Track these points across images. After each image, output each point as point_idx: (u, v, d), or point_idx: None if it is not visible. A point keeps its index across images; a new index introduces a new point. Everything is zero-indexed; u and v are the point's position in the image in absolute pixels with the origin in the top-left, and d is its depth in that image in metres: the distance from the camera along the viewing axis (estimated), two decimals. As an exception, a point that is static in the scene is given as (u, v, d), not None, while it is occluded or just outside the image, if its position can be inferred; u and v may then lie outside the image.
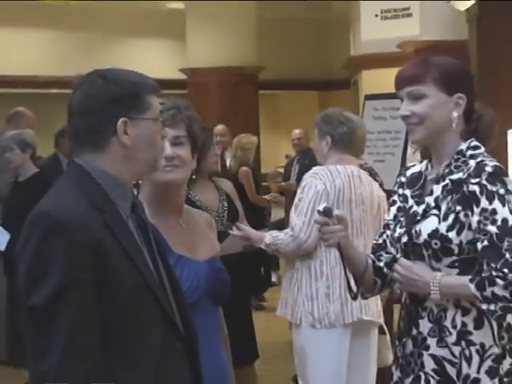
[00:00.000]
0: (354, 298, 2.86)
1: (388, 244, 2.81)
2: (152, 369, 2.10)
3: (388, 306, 5.01)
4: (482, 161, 2.61)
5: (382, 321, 4.39)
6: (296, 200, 4.25)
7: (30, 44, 14.18)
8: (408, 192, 2.78)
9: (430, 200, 2.68)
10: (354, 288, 2.83)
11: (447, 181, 2.65)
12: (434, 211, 2.64)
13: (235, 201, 4.95)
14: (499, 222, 2.52)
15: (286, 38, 15.34)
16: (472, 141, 2.68)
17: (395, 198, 2.83)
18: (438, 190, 2.67)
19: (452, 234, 2.59)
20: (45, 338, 2.02)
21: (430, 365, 2.65)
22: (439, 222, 2.62)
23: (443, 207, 2.63)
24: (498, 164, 2.60)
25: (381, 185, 4.95)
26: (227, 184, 5.05)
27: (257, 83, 12.44)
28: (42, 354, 2.01)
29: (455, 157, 2.66)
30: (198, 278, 2.67)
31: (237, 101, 11.83)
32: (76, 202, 2.10)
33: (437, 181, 2.69)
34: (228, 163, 8.98)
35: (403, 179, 2.83)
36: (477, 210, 2.55)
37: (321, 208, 2.68)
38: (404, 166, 2.96)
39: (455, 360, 2.62)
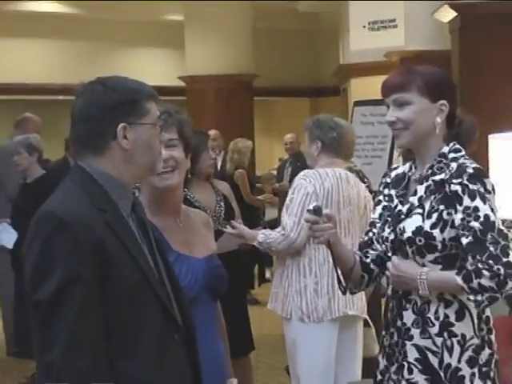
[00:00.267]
0: (344, 292, 2.87)
1: (374, 241, 2.82)
2: (151, 359, 2.10)
3: (375, 300, 5.02)
4: (463, 163, 2.62)
5: (366, 315, 4.40)
6: (287, 201, 4.26)
7: (38, 53, 14.20)
8: (393, 192, 2.78)
9: (413, 200, 2.69)
10: (344, 283, 2.84)
11: (430, 181, 2.66)
12: (418, 210, 2.65)
13: (232, 201, 4.95)
14: (482, 219, 2.53)
15: (279, 48, 15.35)
16: (454, 144, 2.69)
17: (380, 197, 2.83)
18: (421, 190, 2.68)
19: (435, 232, 2.60)
20: (49, 332, 2.02)
21: (412, 354, 2.66)
22: (423, 220, 2.63)
23: (427, 206, 2.64)
24: (478, 166, 2.62)
25: (368, 186, 4.96)
26: (224, 185, 5.05)
27: (252, 90, 12.44)
28: (47, 347, 2.01)
29: (438, 159, 2.67)
30: (196, 274, 2.67)
31: (233, 107, 11.84)
32: (79, 202, 2.11)
33: (420, 181, 2.70)
34: (227, 166, 8.97)
35: (388, 180, 2.84)
36: (460, 208, 2.56)
37: (311, 207, 2.69)
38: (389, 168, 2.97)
39: (437, 350, 2.63)
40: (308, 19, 15.09)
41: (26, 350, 6.02)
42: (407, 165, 2.80)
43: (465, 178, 2.57)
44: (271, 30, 14.99)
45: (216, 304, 2.81)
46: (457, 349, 2.62)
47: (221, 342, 2.81)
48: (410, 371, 2.66)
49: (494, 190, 2.60)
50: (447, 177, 2.62)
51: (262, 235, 4.26)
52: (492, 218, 2.53)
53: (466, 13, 6.64)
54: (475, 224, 2.53)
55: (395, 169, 2.86)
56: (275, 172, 10.87)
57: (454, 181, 2.59)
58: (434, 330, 2.63)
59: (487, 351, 2.65)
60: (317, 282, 4.20)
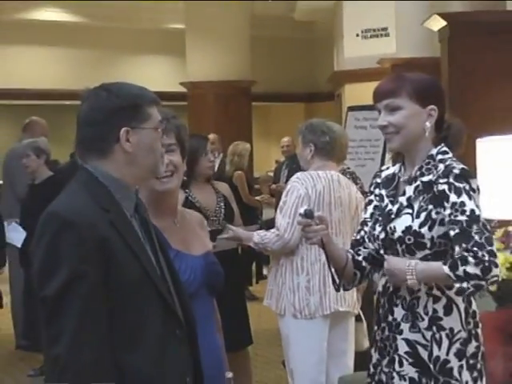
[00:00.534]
0: (337, 289, 2.86)
1: (366, 240, 2.82)
2: (153, 353, 2.11)
3: (368, 296, 5.02)
4: (450, 164, 2.63)
5: (357, 310, 4.40)
6: (281, 203, 4.28)
7: (45, 61, 14.21)
8: (383, 192, 2.79)
9: (402, 200, 2.69)
10: (337, 280, 2.84)
11: (418, 182, 2.67)
12: (408, 210, 2.66)
13: (231, 202, 4.95)
14: (468, 213, 2.54)
15: (276, 56, 15.36)
16: (442, 147, 2.70)
17: (371, 197, 2.83)
18: (410, 190, 2.68)
19: (424, 230, 2.60)
20: (55, 326, 2.02)
21: (403, 348, 2.66)
22: (412, 220, 2.63)
23: (416, 206, 2.65)
24: (464, 167, 2.62)
25: (361, 187, 4.96)
26: (224, 187, 5.05)
27: (250, 96, 12.44)
28: (53, 341, 2.02)
29: (426, 161, 2.68)
30: (195, 270, 2.68)
31: (232, 111, 11.84)
32: (83, 203, 2.11)
33: (409, 182, 2.70)
34: (227, 168, 8.96)
35: (378, 180, 2.84)
36: (447, 205, 2.57)
37: (302, 211, 2.69)
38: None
39: (427, 343, 2.63)
40: (303, 28, 15.11)
41: (34, 343, 6.02)
42: (397, 166, 2.80)
43: (451, 177, 2.59)
44: (268, 38, 14.99)
45: (213, 299, 2.81)
46: (445, 342, 2.62)
47: (218, 335, 2.81)
48: (401, 364, 2.67)
49: (478, 189, 2.61)
50: (435, 178, 2.63)
51: (257, 236, 4.27)
52: (477, 212, 2.55)
53: (454, 22, 6.65)
54: (462, 217, 2.54)
55: (385, 170, 2.87)
56: (272, 174, 10.86)
57: (441, 181, 2.60)
58: (424, 324, 2.64)
59: (474, 344, 2.66)
60: (309, 279, 4.21)
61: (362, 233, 2.84)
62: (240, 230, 4.42)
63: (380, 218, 2.74)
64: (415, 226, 2.62)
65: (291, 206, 4.17)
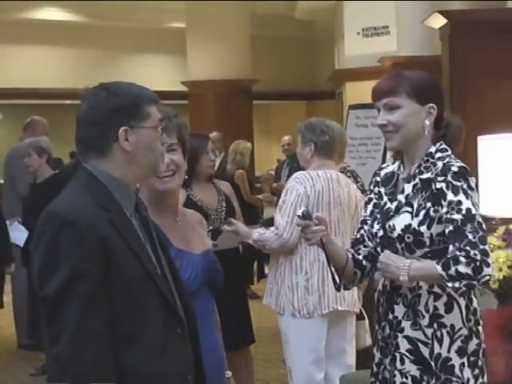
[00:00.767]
0: (338, 289, 2.86)
1: (366, 238, 2.81)
2: (154, 352, 2.10)
3: (369, 294, 5.03)
4: (448, 162, 2.63)
5: (358, 309, 4.41)
6: (280, 202, 4.29)
7: (47, 60, 14.22)
8: (382, 190, 2.79)
9: (401, 197, 2.69)
10: (338, 280, 2.83)
11: (417, 180, 2.67)
12: (407, 208, 2.66)
13: (233, 201, 4.96)
14: (464, 211, 2.54)
15: (277, 54, 15.35)
16: (441, 144, 2.69)
17: (371, 195, 2.83)
18: (408, 188, 2.68)
19: (423, 228, 2.60)
20: (56, 325, 2.02)
21: (404, 346, 2.66)
22: (412, 218, 2.63)
23: (415, 204, 2.64)
24: (463, 165, 2.62)
25: (362, 185, 4.96)
26: (226, 185, 5.06)
27: (251, 94, 12.43)
28: (54, 339, 2.02)
29: (425, 158, 2.67)
30: (196, 268, 2.68)
31: (233, 110, 11.83)
32: (83, 202, 2.11)
33: (408, 180, 2.70)
34: (228, 167, 8.96)
35: (378, 178, 2.84)
36: (445, 203, 2.57)
37: (299, 213, 2.69)
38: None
39: (428, 341, 2.63)
40: (304, 27, 15.10)
41: (38, 342, 6.02)
42: (396, 164, 2.80)
43: (449, 175, 2.58)
44: (269, 37, 15.00)
45: (213, 297, 2.82)
46: (446, 339, 2.62)
47: (218, 334, 2.82)
48: (402, 362, 2.66)
49: (476, 187, 2.61)
50: (433, 175, 2.62)
51: (257, 234, 4.28)
52: (473, 211, 2.54)
53: (455, 20, 6.65)
54: (457, 216, 2.54)
55: (385, 168, 2.86)
56: (273, 172, 10.86)
57: (439, 178, 2.60)
58: (425, 321, 2.64)
59: (475, 341, 2.66)
60: (307, 279, 4.22)
61: (362, 231, 2.84)
62: (241, 226, 4.43)
63: (378, 216, 2.74)
64: (414, 225, 2.62)
65: (290, 206, 4.19)
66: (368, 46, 10.06)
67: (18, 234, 6.33)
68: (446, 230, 2.55)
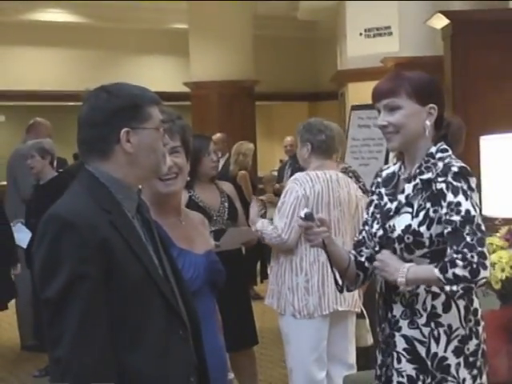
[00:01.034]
0: (341, 291, 2.86)
1: (367, 240, 2.81)
2: (156, 354, 2.10)
3: (370, 293, 5.03)
4: (449, 162, 2.62)
5: (358, 309, 4.41)
6: (279, 204, 4.32)
7: (49, 61, 14.24)
8: (383, 190, 2.78)
9: (401, 197, 2.68)
10: (340, 282, 2.83)
11: (418, 180, 2.66)
12: (407, 208, 2.65)
13: (235, 201, 4.96)
14: (463, 213, 2.53)
15: (279, 55, 15.36)
16: (441, 145, 2.69)
17: (373, 197, 2.83)
18: (409, 188, 2.68)
19: (423, 229, 2.60)
20: (57, 328, 2.02)
21: (401, 344, 2.66)
22: (412, 219, 2.63)
23: (415, 205, 2.64)
24: (463, 165, 2.61)
25: (364, 186, 4.96)
26: (228, 186, 5.06)
27: (253, 95, 12.44)
28: (55, 342, 2.02)
29: (425, 159, 2.67)
30: (198, 268, 2.69)
31: (235, 111, 11.84)
32: (84, 204, 2.11)
33: (408, 180, 2.70)
34: (231, 167, 8.96)
35: (379, 179, 2.84)
36: (444, 204, 2.56)
37: (302, 214, 2.68)
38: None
39: (425, 340, 2.63)
40: (307, 27, 15.11)
41: (43, 343, 6.03)
42: (397, 164, 2.80)
43: (449, 176, 2.58)
44: (271, 38, 15.00)
45: (214, 298, 2.82)
46: (443, 339, 2.62)
47: (220, 334, 2.82)
48: (399, 361, 2.67)
49: (477, 188, 2.60)
50: (434, 176, 2.62)
51: (260, 224, 4.36)
52: (473, 213, 2.53)
53: (457, 20, 6.65)
54: (456, 218, 2.53)
55: (386, 169, 2.86)
56: (276, 173, 10.86)
57: (440, 179, 2.59)
58: (422, 320, 2.63)
59: (474, 341, 2.65)
60: (307, 280, 4.23)
61: (363, 233, 2.83)
62: (252, 209, 4.50)
63: (378, 216, 2.74)
64: (414, 225, 2.61)
65: (289, 207, 4.21)
66: (370, 47, 10.05)
67: (21, 236, 6.33)
68: (445, 232, 2.55)
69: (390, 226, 2.67)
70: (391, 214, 2.69)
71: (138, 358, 2.07)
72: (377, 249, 2.73)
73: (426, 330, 2.63)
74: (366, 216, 2.85)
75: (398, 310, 2.68)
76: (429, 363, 2.62)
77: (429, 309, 2.63)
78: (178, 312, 2.20)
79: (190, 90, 12.40)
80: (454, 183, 2.56)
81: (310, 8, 12.47)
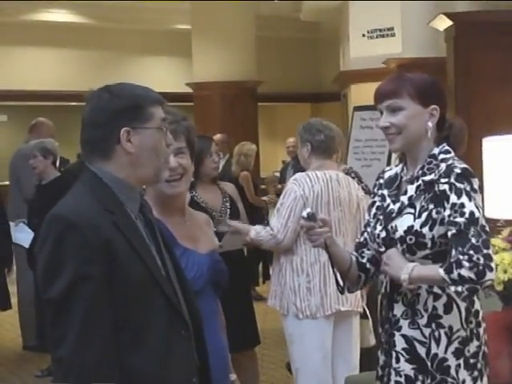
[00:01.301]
0: (342, 292, 2.86)
1: (369, 241, 2.81)
2: (158, 355, 2.10)
3: (373, 293, 5.03)
4: (451, 163, 2.62)
5: (361, 309, 4.41)
6: (278, 205, 4.34)
7: (51, 62, 14.24)
8: (386, 192, 2.79)
9: (404, 199, 2.69)
10: (341, 283, 2.84)
11: (420, 181, 2.66)
12: (409, 210, 2.65)
13: (237, 202, 4.96)
14: (467, 215, 2.53)
15: (282, 56, 15.36)
16: (444, 146, 2.69)
17: (375, 198, 2.83)
18: (411, 189, 2.68)
19: (425, 230, 2.60)
20: (60, 328, 2.03)
21: (400, 344, 2.66)
22: (414, 220, 2.63)
23: (418, 206, 2.64)
24: (466, 166, 2.61)
25: (366, 186, 4.96)
26: (230, 187, 5.06)
27: (256, 96, 12.44)
28: (58, 342, 2.02)
29: (428, 160, 2.67)
30: (202, 268, 2.69)
31: (238, 112, 11.84)
32: (87, 204, 2.11)
33: (411, 182, 2.70)
34: (233, 168, 8.96)
35: (381, 181, 2.84)
36: (447, 206, 2.56)
37: (305, 214, 2.68)
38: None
39: (425, 340, 2.63)
40: (309, 28, 15.10)
41: (45, 344, 6.03)
42: (400, 166, 2.80)
43: (452, 177, 2.58)
44: (274, 39, 15.00)
45: (217, 298, 2.83)
46: (444, 340, 2.62)
47: (223, 334, 2.82)
48: (398, 360, 2.67)
49: (480, 189, 2.60)
50: (436, 177, 2.62)
51: (253, 232, 4.34)
52: (477, 214, 2.53)
53: (460, 22, 6.65)
54: (460, 219, 2.53)
55: (388, 170, 2.87)
56: (278, 174, 10.86)
57: (443, 180, 2.59)
58: (423, 321, 2.64)
59: (475, 343, 2.65)
60: (309, 280, 4.23)
61: (365, 234, 2.84)
62: (238, 224, 4.48)
63: (381, 217, 2.74)
64: (416, 226, 2.61)
65: (287, 208, 4.22)
66: (373, 48, 10.05)
67: (24, 235, 6.34)
68: (449, 233, 2.55)
69: (392, 227, 2.68)
70: (394, 215, 2.69)
71: (140, 358, 2.08)
72: (382, 250, 2.73)
73: (426, 331, 2.63)
74: (367, 217, 2.85)
75: (399, 309, 2.68)
76: (429, 364, 2.62)
77: (430, 310, 2.63)
78: (180, 312, 2.20)
79: (192, 90, 12.40)
80: (457, 184, 2.56)
81: (313, 9, 12.46)
